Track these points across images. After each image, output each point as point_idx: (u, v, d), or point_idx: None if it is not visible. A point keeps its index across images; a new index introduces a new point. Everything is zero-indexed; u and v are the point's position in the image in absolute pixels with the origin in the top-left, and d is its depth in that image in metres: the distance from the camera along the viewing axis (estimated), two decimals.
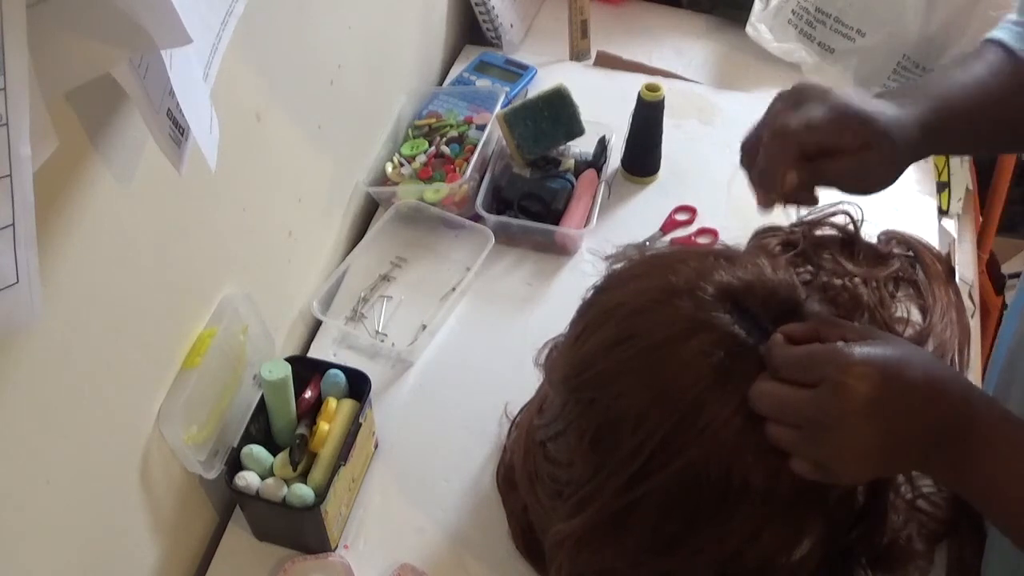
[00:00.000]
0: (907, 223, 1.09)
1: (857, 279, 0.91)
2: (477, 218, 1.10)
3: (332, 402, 0.85)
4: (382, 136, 1.16)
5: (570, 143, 1.17)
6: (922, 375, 0.59)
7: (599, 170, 1.16)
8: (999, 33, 0.73)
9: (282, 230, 0.95)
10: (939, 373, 0.61)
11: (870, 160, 0.65)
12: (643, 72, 1.33)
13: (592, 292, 0.76)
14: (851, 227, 0.99)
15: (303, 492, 0.80)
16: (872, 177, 0.67)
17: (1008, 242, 1.86)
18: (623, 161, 1.20)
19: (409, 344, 1.01)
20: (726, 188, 1.18)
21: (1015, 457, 0.58)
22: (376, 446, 0.93)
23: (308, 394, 0.86)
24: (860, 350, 0.59)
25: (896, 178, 0.68)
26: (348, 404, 0.86)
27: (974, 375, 0.99)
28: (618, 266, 0.78)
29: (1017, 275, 1.92)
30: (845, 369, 0.58)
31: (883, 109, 0.66)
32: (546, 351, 0.86)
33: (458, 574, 0.84)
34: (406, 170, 1.13)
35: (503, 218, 1.09)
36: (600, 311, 0.72)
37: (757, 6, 1.35)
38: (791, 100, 0.69)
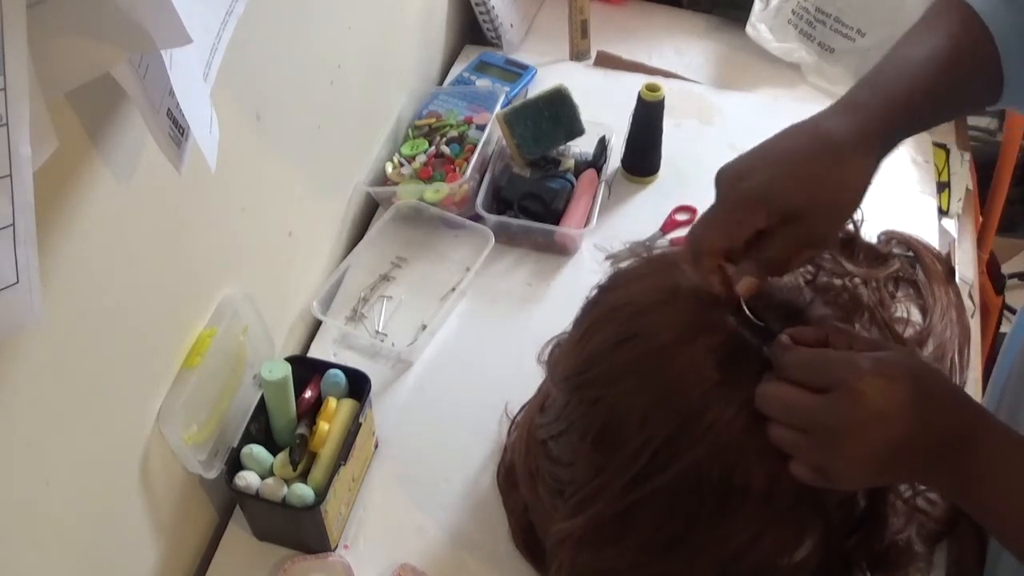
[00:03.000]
0: (907, 223, 1.09)
1: (857, 279, 0.91)
2: (477, 218, 1.10)
3: (332, 402, 0.85)
4: (382, 136, 1.16)
5: (570, 143, 1.17)
6: (931, 389, 0.59)
7: (599, 170, 1.16)
8: None
9: (282, 230, 0.95)
10: (946, 387, 0.61)
11: (805, 231, 0.63)
12: (643, 72, 1.33)
13: (596, 291, 0.76)
14: (851, 227, 0.99)
15: (303, 492, 0.80)
16: (821, 235, 0.65)
17: (1008, 242, 1.85)
18: (623, 161, 1.20)
19: (409, 344, 1.01)
20: None
21: (1015, 473, 0.58)
22: (376, 446, 0.93)
23: (308, 394, 0.86)
24: (875, 359, 0.59)
25: (858, 201, 0.65)
26: (348, 404, 0.86)
27: (974, 375, 0.99)
28: (623, 265, 0.78)
29: (1017, 275, 1.92)
30: (859, 376, 0.57)
31: (790, 163, 0.63)
32: (549, 349, 0.86)
33: (458, 574, 0.84)
34: (406, 170, 1.13)
35: (503, 218, 1.09)
36: (604, 310, 0.72)
37: (757, 6, 1.35)
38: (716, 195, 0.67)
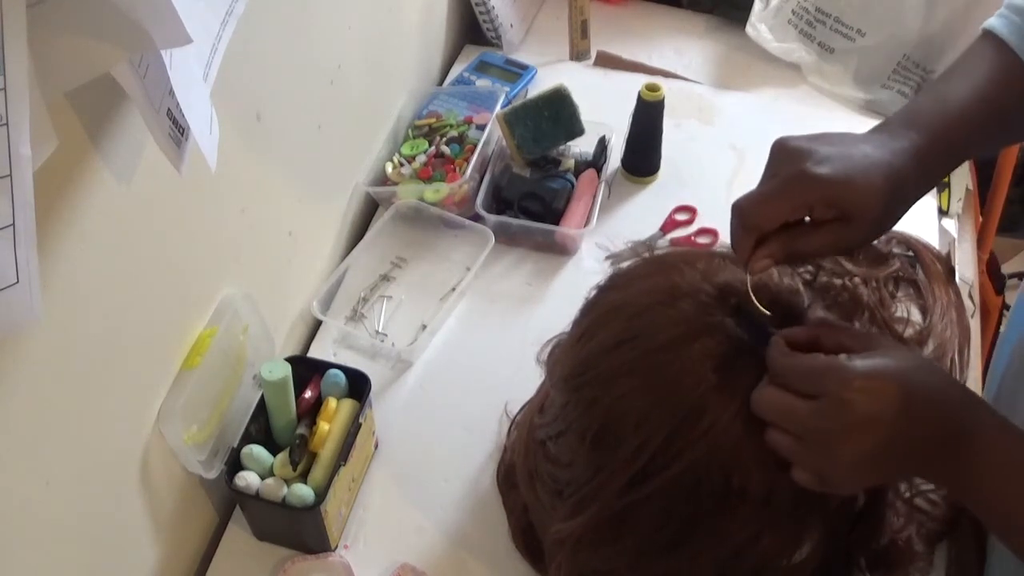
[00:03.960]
0: (907, 223, 1.08)
1: (857, 279, 0.91)
2: (477, 218, 1.10)
3: (332, 402, 0.85)
4: (382, 136, 1.16)
5: (570, 143, 1.17)
6: (922, 386, 0.59)
7: (599, 170, 1.16)
8: (997, 25, 0.72)
9: (282, 230, 0.95)
10: (939, 383, 0.61)
11: (845, 235, 0.64)
12: (643, 72, 1.33)
13: (596, 291, 0.76)
14: None
15: (303, 492, 0.80)
16: (854, 244, 0.66)
17: (1008, 242, 1.85)
18: (623, 161, 1.20)
19: (409, 344, 1.01)
20: (726, 188, 1.18)
21: (1014, 469, 0.58)
22: (376, 446, 0.93)
23: (308, 394, 0.86)
24: (862, 363, 0.58)
25: (892, 225, 0.66)
26: (348, 404, 0.86)
27: (974, 375, 0.99)
28: (624, 265, 0.78)
29: (1017, 275, 1.92)
30: (846, 384, 0.58)
31: (865, 165, 0.63)
32: (548, 348, 0.86)
33: (458, 574, 0.84)
34: (406, 170, 1.13)
35: (503, 218, 1.09)
36: (604, 311, 0.72)
37: (757, 6, 1.35)
38: (769, 167, 0.66)
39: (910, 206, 0.67)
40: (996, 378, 0.87)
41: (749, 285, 0.66)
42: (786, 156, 0.65)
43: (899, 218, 0.66)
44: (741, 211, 0.64)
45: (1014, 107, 0.69)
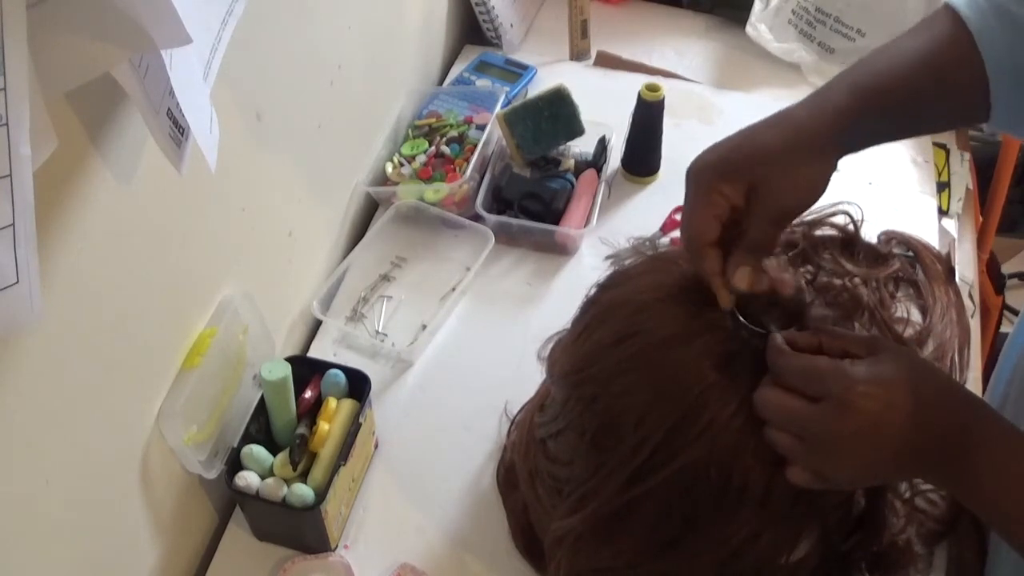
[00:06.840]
0: (907, 223, 1.09)
1: (857, 279, 0.91)
2: (477, 218, 1.10)
3: (332, 402, 0.85)
4: (382, 136, 1.16)
5: (570, 143, 1.17)
6: (925, 391, 0.59)
7: (599, 170, 1.16)
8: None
9: (282, 230, 0.95)
10: (942, 388, 0.61)
11: (770, 203, 0.63)
12: (643, 72, 1.33)
13: (597, 289, 0.76)
14: (851, 227, 0.99)
15: (303, 492, 0.80)
16: (788, 208, 0.65)
17: (1008, 242, 1.85)
18: (623, 161, 1.20)
19: (409, 344, 1.01)
20: None
21: (1015, 472, 0.58)
22: (376, 446, 0.93)
23: (308, 394, 0.86)
24: (866, 368, 0.58)
25: (815, 179, 0.64)
26: (348, 404, 0.86)
27: (974, 375, 0.99)
28: (625, 263, 0.78)
29: (1017, 275, 1.92)
30: (850, 387, 0.58)
31: (749, 134, 0.64)
32: (549, 346, 0.86)
33: (458, 574, 0.84)
34: (406, 170, 1.13)
35: (503, 218, 1.09)
36: (604, 307, 0.72)
37: (757, 6, 1.35)
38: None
39: (835, 159, 0.64)
40: (1002, 380, 0.86)
41: (733, 304, 0.66)
42: (687, 171, 0.66)
43: (828, 171, 0.64)
44: (684, 245, 0.66)
45: (953, 75, 0.66)
